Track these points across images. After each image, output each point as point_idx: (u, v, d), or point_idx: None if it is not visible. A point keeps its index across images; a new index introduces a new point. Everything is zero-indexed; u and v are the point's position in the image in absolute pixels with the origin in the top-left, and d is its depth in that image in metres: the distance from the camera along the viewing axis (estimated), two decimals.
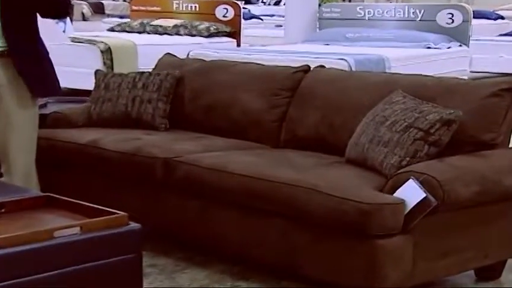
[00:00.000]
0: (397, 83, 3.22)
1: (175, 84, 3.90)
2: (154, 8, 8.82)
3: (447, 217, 2.70)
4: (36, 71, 3.16)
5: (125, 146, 3.41)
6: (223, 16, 8.42)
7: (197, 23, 8.37)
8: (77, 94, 5.19)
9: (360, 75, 3.66)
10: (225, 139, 3.60)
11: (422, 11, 7.80)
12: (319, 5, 8.54)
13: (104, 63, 6.95)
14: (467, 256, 2.84)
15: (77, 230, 2.03)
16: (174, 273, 3.12)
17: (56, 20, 6.52)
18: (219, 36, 8.34)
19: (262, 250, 2.93)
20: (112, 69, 6.91)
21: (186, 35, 8.29)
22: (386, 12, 8.02)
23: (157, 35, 8.34)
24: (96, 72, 4.11)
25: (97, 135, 3.59)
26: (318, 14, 8.38)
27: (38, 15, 3.13)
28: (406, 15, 7.89)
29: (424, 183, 2.58)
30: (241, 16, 8.54)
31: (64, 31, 7.27)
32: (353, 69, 5.87)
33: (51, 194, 2.32)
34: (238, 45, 8.39)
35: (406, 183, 2.60)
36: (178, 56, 4.36)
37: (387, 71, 6.18)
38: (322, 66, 3.73)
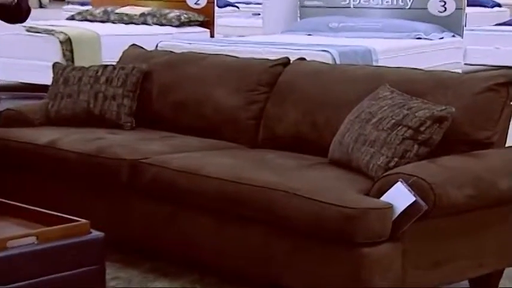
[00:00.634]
0: (385, 77, 3.24)
1: (142, 78, 3.89)
2: None
3: (439, 223, 2.72)
4: None
5: (87, 147, 3.40)
6: (195, 3, 8.42)
7: (167, 11, 8.37)
8: (33, 90, 5.17)
9: (344, 68, 3.68)
10: (197, 139, 3.59)
11: None
12: None
13: (64, 56, 6.92)
14: (461, 265, 2.86)
15: (33, 239, 2.02)
16: (142, 285, 3.12)
17: None
18: (190, 26, 8.34)
19: (238, 260, 2.93)
20: (72, 62, 6.88)
21: (155, 24, 8.28)
22: None
23: (122, 25, 8.32)
24: (55, 65, 4.09)
25: (55, 135, 3.57)
26: (299, 2, 8.41)
27: None
28: (395, 3, 7.95)
29: (413, 186, 2.60)
30: (215, 3, 8.54)
31: None
32: (337, 62, 5.90)
33: (4, 200, 2.31)
34: (212, 35, 8.39)
35: (394, 186, 2.62)
36: (145, 47, 4.34)
37: (374, 63, 6.22)
38: (303, 59, 3.74)
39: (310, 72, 3.55)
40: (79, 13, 8.91)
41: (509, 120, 3.11)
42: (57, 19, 9.01)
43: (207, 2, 8.37)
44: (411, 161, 2.79)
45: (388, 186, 2.64)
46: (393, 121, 2.86)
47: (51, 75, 4.03)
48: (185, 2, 8.40)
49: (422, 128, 2.82)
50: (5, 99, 4.27)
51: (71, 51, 6.96)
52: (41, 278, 2.00)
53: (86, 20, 8.57)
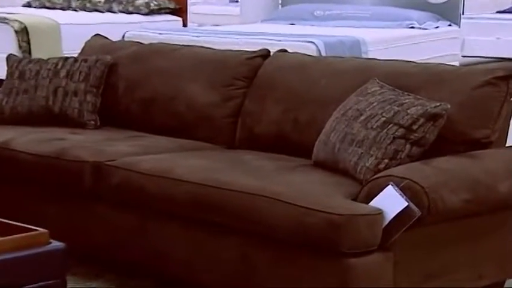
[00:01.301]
0: (374, 71, 3.26)
1: (106, 72, 3.88)
2: None
3: (433, 230, 2.74)
4: None
5: (45, 148, 3.39)
6: None
7: None
8: None
9: (330, 61, 3.70)
10: (169, 139, 3.60)
11: None
12: None
13: (19, 47, 6.88)
14: (458, 277, 2.89)
15: None
16: None
17: None
18: (160, 14, 8.32)
19: (214, 272, 2.94)
20: (29, 53, 6.85)
21: (121, 12, 8.26)
22: None
23: (85, 12, 8.29)
24: (9, 57, 4.07)
25: (10, 135, 3.56)
26: None
27: None
28: None
29: (405, 190, 2.62)
30: None
31: None
32: (322, 53, 5.92)
33: None
34: (185, 25, 8.38)
35: (385, 190, 2.63)
36: (110, 37, 4.34)
37: (363, 55, 6.25)
38: (285, 51, 3.75)
39: (293, 65, 3.57)
40: None
41: (510, 118, 3.14)
42: (12, 5, 8.96)
43: None
44: (403, 163, 2.81)
45: (377, 190, 2.65)
46: (383, 119, 2.88)
47: (5, 68, 4.01)
48: None
49: (414, 127, 2.84)
50: None
51: (28, 42, 6.93)
52: None
53: (44, 7, 8.52)
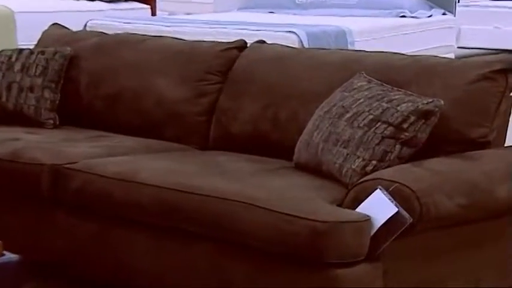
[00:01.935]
0: (361, 64, 3.27)
1: (66, 65, 3.88)
2: None
3: (426, 238, 2.76)
4: None
5: None
6: None
7: None
8: None
9: (313, 53, 3.71)
10: (135, 139, 3.60)
11: None
12: None
13: None
14: None
15: None
16: None
17: None
18: (127, 1, 8.30)
19: (184, 285, 2.94)
20: None
21: None
22: None
23: None
24: None
25: None
26: None
27: None
28: None
29: (395, 195, 2.63)
30: None
31: None
32: (304, 45, 5.93)
33: None
34: (153, 13, 8.37)
35: (373, 195, 2.64)
36: (71, 27, 4.32)
37: (349, 47, 6.27)
38: (263, 42, 3.76)
39: (272, 58, 3.57)
40: None
41: (509, 115, 3.16)
42: None
43: None
44: (392, 164, 2.82)
45: (365, 194, 2.66)
46: (371, 117, 2.89)
47: None
48: None
49: (405, 125, 2.85)
50: None
51: None
52: None
53: None
